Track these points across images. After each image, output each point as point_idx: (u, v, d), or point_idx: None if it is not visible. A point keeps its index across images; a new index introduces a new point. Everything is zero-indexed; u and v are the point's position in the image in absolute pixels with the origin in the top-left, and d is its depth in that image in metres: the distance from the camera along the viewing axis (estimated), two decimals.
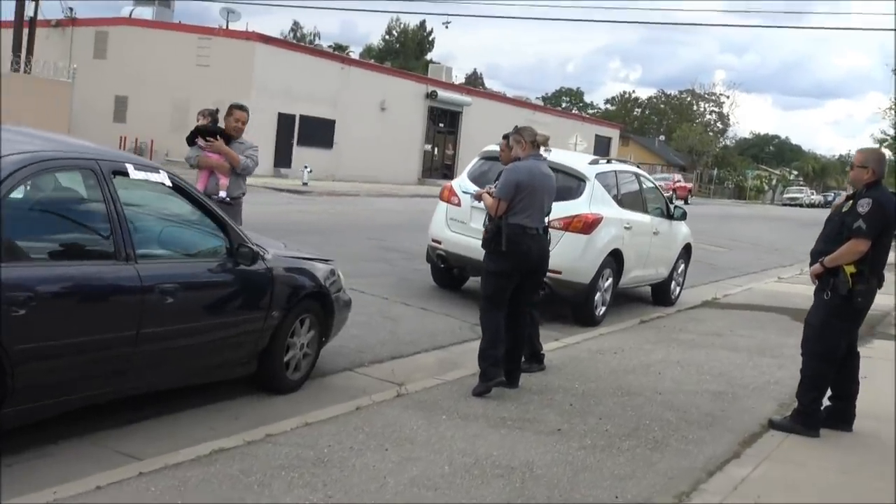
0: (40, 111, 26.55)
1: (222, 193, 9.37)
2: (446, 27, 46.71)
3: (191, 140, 9.34)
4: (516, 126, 8.31)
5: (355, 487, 5.28)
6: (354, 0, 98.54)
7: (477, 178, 11.59)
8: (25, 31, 32.10)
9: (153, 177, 6.16)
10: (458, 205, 11.79)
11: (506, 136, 8.33)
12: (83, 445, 5.65)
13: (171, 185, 6.29)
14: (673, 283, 14.42)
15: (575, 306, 11.73)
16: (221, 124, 9.42)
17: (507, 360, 7.95)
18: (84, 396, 5.63)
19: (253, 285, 6.76)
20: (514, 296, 7.89)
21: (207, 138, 9.24)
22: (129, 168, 5.97)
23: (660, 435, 7.00)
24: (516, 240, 7.70)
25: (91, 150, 6.02)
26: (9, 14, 33.10)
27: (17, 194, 5.29)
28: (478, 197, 8.43)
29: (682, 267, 14.67)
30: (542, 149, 11.27)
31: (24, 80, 29.13)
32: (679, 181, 65.11)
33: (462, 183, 11.94)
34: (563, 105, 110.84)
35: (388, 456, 5.87)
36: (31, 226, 5.46)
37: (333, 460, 5.68)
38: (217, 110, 9.57)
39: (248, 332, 6.78)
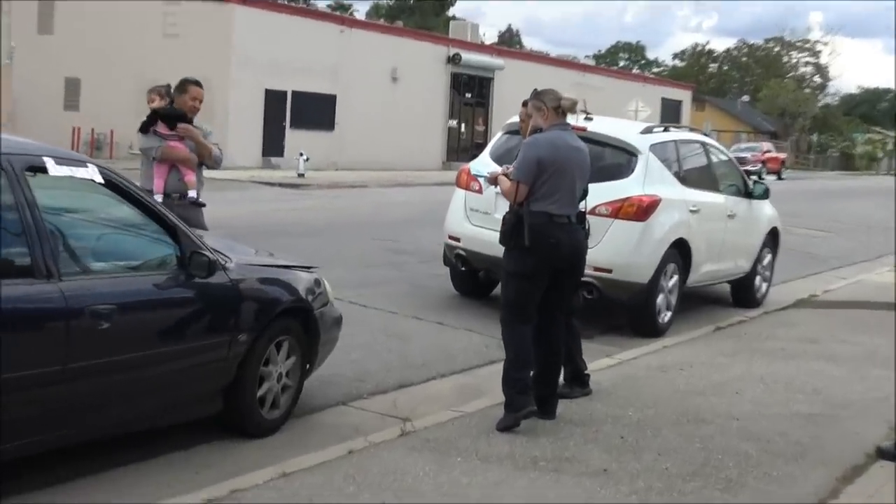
0: None
1: (192, 193, 9.40)
2: None
3: (146, 126, 9.29)
4: (535, 90, 8.14)
5: None
6: None
7: (501, 157, 11.42)
8: None
9: (80, 172, 6.07)
10: (480, 192, 11.62)
11: (525, 103, 8.20)
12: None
13: (103, 181, 6.19)
14: (758, 278, 14.26)
15: (631, 312, 11.61)
16: None
17: (541, 384, 7.82)
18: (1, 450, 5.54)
19: (212, 302, 6.68)
20: (546, 303, 7.74)
21: (174, 124, 9.20)
22: (49, 162, 5.89)
23: (734, 472, 6.84)
24: (541, 231, 7.53)
25: (4, 142, 5.94)
26: None
27: None
28: (493, 180, 8.29)
29: (768, 258, 14.49)
30: (581, 117, 11.21)
31: None
32: (769, 151, 64.89)
33: (478, 164, 11.81)
34: (621, 64, 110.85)
35: None
36: None
37: None
38: (170, 86, 9.53)
39: (209, 361, 6.68)
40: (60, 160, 5.99)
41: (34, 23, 39.98)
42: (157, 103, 9.32)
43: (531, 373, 7.66)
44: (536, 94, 7.95)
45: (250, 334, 6.89)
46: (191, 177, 9.35)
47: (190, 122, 9.30)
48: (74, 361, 5.69)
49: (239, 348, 6.82)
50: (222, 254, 6.88)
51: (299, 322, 7.41)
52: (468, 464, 6.68)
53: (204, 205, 9.55)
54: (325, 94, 40.94)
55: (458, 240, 11.90)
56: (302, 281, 7.58)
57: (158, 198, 8.91)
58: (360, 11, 78.41)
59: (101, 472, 6.22)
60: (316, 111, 40.45)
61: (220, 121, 30.68)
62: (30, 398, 5.54)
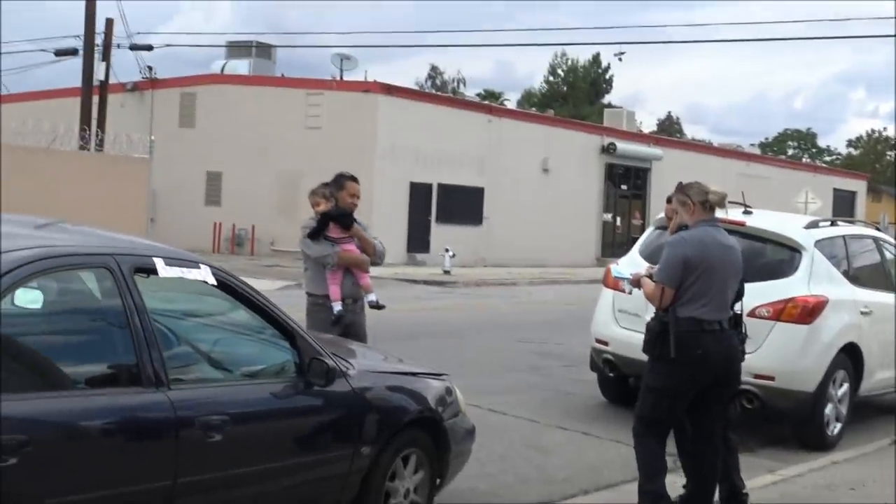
0: (110, 195, 27.51)
1: (372, 297, 9.43)
2: (619, 59, 46.38)
3: (317, 232, 9.22)
4: (680, 183, 7.91)
5: None
6: (506, 31, 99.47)
7: (651, 255, 11.18)
8: (96, 98, 33.42)
9: (191, 273, 6.06)
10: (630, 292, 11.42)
11: (669, 199, 7.99)
12: None
13: (216, 282, 6.18)
14: None
15: (796, 423, 11.18)
16: None
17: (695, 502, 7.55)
18: None
19: (333, 412, 6.57)
20: (698, 416, 7.46)
21: (345, 225, 9.26)
22: (159, 263, 5.90)
23: None
24: (689, 341, 7.26)
25: (108, 241, 6.00)
26: (75, 80, 34.78)
27: (6, 304, 5.25)
28: (635, 283, 8.05)
29: None
30: (740, 210, 10.94)
31: (91, 158, 30.26)
32: None
33: (624, 263, 11.56)
34: (790, 152, 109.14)
35: None
36: (21, 346, 5.41)
37: None
38: (326, 185, 9.56)
39: (330, 475, 6.57)
40: (171, 260, 5.98)
41: (175, 116, 41.11)
42: (324, 206, 9.26)
43: (664, 480, 7.39)
44: (681, 188, 7.73)
45: (374, 446, 6.75)
46: (366, 280, 9.39)
47: (347, 221, 9.31)
48: (184, 476, 5.63)
49: (362, 462, 6.68)
50: (345, 360, 6.81)
51: (428, 433, 7.24)
52: None
53: (384, 307, 9.57)
54: (472, 186, 41.09)
55: (606, 343, 11.66)
56: (431, 389, 7.44)
57: (337, 306, 9.03)
58: (512, 100, 78.68)
59: None
60: (463, 204, 40.58)
61: (363, 215, 30.86)
62: None
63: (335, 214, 9.25)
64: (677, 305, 7.32)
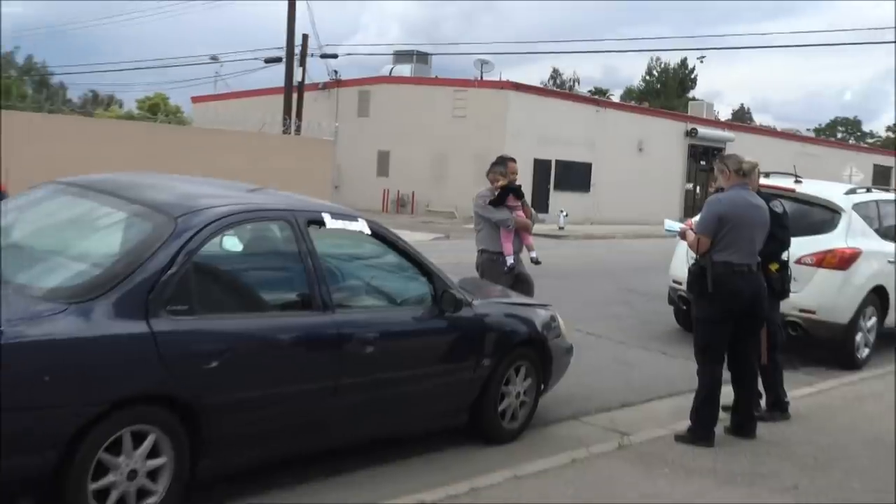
0: (304, 171, 27.91)
1: (533, 254, 9.36)
2: (701, 62, 45.43)
3: (500, 200, 9.08)
4: (721, 154, 7.69)
5: None
6: (612, 41, 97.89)
7: None
8: (294, 95, 34.08)
9: (351, 225, 6.12)
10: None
11: (711, 168, 7.76)
12: (290, 498, 5.57)
13: (370, 232, 6.22)
14: None
15: (832, 348, 10.82)
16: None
17: (736, 411, 7.41)
18: (281, 450, 5.59)
19: (460, 333, 6.56)
20: (733, 344, 7.26)
21: (519, 196, 9.16)
22: (326, 217, 5.96)
23: None
24: (723, 280, 7.03)
25: (291, 201, 6.08)
26: (279, 81, 35.32)
27: (215, 247, 5.37)
28: (682, 234, 7.86)
29: None
30: (792, 180, 10.59)
31: (290, 140, 30.76)
32: None
33: (670, 221, 11.34)
34: (839, 136, 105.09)
35: None
36: (226, 277, 5.54)
37: None
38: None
39: (457, 381, 6.58)
40: (336, 215, 6.04)
41: (355, 108, 41.41)
42: (502, 181, 9.10)
43: (718, 405, 7.23)
44: (721, 159, 7.51)
45: (492, 359, 6.75)
46: (530, 240, 9.29)
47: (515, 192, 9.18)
48: (345, 378, 5.72)
49: (482, 371, 6.69)
50: (469, 292, 6.81)
51: (535, 350, 7.20)
52: (674, 475, 6.32)
53: (541, 262, 9.49)
54: (582, 162, 40.59)
55: (679, 283, 11.41)
56: (539, 316, 7.38)
57: (510, 259, 8.92)
58: (616, 96, 77.51)
59: (368, 467, 6.18)
60: (575, 176, 40.16)
61: None
62: (308, 409, 5.59)
63: (513, 189, 9.12)
64: (713, 252, 7.09)
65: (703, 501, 5.83)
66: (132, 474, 4.75)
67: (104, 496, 4.66)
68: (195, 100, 49.41)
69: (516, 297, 7.73)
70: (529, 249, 9.33)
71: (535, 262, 9.42)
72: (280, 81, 35.11)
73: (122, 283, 4.78)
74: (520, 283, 8.89)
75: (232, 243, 5.76)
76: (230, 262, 5.68)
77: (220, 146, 27.05)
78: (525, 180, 37.47)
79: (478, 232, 9.26)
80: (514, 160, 9.36)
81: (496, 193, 9.08)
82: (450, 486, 5.75)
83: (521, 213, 9.14)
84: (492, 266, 9.01)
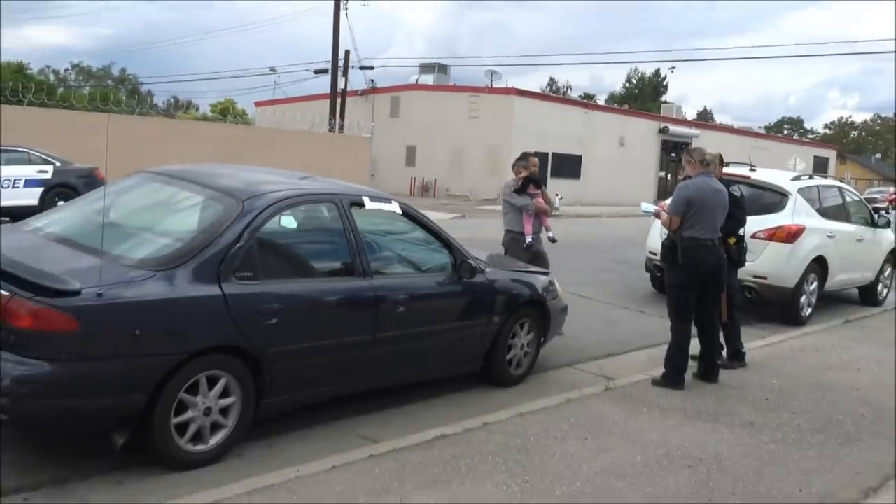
0: (346, 162, 27.86)
1: (551, 234, 9.23)
2: (672, 72, 44.79)
3: (523, 189, 8.90)
4: (687, 147, 7.57)
5: (550, 474, 4.88)
6: (598, 54, 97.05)
7: None
8: (338, 100, 33.99)
9: (386, 206, 6.05)
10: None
11: (680, 159, 7.64)
12: (330, 430, 5.56)
13: (401, 212, 6.16)
14: (880, 285, 12.91)
15: (781, 308, 10.69)
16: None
17: (704, 360, 7.32)
18: (330, 390, 5.56)
19: (475, 295, 6.48)
20: (699, 304, 7.15)
21: (539, 185, 9.00)
22: (366, 200, 5.90)
23: (852, 430, 6.11)
24: (690, 252, 6.95)
25: (336, 186, 6.01)
26: (325, 89, 35.22)
27: (274, 225, 5.32)
28: (656, 214, 7.76)
29: (888, 271, 13.09)
30: (747, 168, 10.43)
31: (334, 137, 30.68)
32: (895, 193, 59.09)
33: (646, 203, 11.26)
34: (785, 132, 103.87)
35: (587, 445, 5.42)
36: (283, 250, 5.48)
37: (536, 448, 5.29)
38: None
39: (472, 335, 6.51)
40: (373, 198, 5.98)
41: (387, 111, 41.21)
42: (524, 173, 8.89)
43: (687, 356, 7.12)
44: (688, 151, 7.39)
45: (501, 317, 6.69)
46: (548, 222, 9.13)
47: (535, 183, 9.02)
48: (381, 332, 5.67)
49: (493, 327, 6.64)
50: (483, 262, 6.74)
51: (536, 309, 7.13)
52: (651, 413, 6.26)
53: (556, 240, 9.36)
54: (574, 154, 40.24)
55: (654, 254, 11.28)
56: (539, 281, 7.31)
57: (529, 238, 8.76)
58: (601, 100, 76.87)
59: (398, 406, 6.15)
60: (568, 166, 39.82)
61: (504, 175, 30.72)
62: (350, 357, 5.55)
63: (534, 179, 8.97)
64: (682, 229, 7.01)
65: (677, 435, 5.77)
66: (207, 411, 4.75)
67: (183, 430, 4.67)
68: (258, 104, 49.30)
69: (521, 266, 7.66)
70: (548, 230, 9.19)
71: (552, 240, 9.28)
72: (326, 89, 35.03)
73: (199, 254, 4.75)
74: (537, 258, 8.76)
75: (288, 221, 5.69)
76: (286, 237, 5.63)
77: (278, 142, 27.01)
78: None
79: (504, 215, 9.12)
80: (535, 155, 9.20)
81: (520, 183, 8.96)
82: (466, 421, 5.72)
83: (540, 199, 8.99)
84: (514, 244, 8.89)
